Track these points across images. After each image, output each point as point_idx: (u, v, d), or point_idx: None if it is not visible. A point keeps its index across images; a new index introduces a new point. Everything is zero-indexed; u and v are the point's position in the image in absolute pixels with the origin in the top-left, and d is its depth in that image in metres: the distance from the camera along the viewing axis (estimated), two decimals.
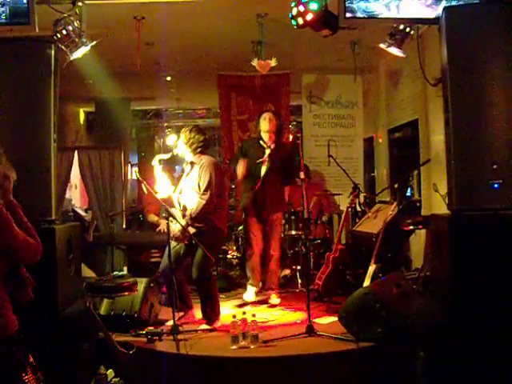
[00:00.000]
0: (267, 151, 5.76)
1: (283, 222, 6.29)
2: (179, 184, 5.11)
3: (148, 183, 4.76)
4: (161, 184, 4.89)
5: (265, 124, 5.79)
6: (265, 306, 5.69)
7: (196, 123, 12.08)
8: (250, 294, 5.80)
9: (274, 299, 5.76)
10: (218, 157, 12.32)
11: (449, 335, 3.46)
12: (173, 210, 4.83)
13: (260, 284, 5.96)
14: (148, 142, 13.44)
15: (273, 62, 6.21)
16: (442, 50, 3.76)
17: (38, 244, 2.58)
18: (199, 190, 4.85)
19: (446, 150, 3.78)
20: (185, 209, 4.88)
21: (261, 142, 5.83)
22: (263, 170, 5.71)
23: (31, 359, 2.56)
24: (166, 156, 5.06)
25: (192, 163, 4.99)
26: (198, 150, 4.96)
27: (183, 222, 4.76)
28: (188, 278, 5.16)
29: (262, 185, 5.71)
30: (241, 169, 5.72)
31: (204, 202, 4.77)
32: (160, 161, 4.93)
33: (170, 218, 4.71)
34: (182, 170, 5.48)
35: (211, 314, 4.93)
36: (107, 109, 9.87)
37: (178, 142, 5.08)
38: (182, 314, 5.08)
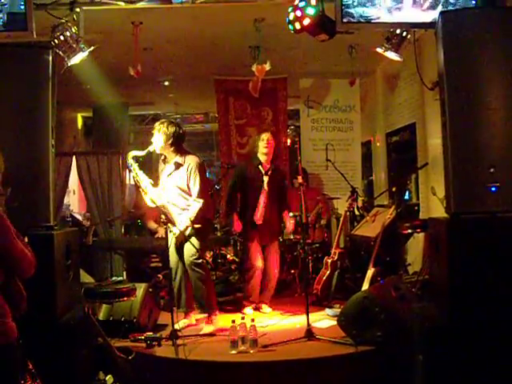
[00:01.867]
0: (265, 179, 5.70)
1: None
2: (160, 182, 5.05)
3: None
4: (144, 183, 4.81)
5: (263, 146, 5.70)
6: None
7: (193, 128, 12.14)
8: (249, 309, 5.72)
9: (266, 308, 5.77)
10: (215, 161, 12.35)
11: (448, 339, 3.45)
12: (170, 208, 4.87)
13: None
14: (146, 147, 13.44)
15: (267, 66, 6.22)
16: (439, 53, 3.77)
17: (33, 257, 2.54)
18: (188, 191, 4.85)
19: (444, 153, 3.78)
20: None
21: (260, 167, 5.73)
22: (261, 198, 5.67)
23: (30, 366, 2.55)
24: (141, 153, 4.85)
25: (176, 163, 4.93)
26: (178, 145, 4.91)
27: (183, 227, 4.78)
28: None
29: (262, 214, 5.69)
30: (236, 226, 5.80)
31: (200, 205, 4.80)
32: (134, 158, 4.80)
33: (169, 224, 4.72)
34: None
35: (207, 304, 4.96)
36: (105, 114, 9.86)
37: (155, 138, 4.91)
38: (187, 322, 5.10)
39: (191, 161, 4.88)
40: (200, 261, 4.89)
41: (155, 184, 4.96)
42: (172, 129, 4.86)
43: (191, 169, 4.84)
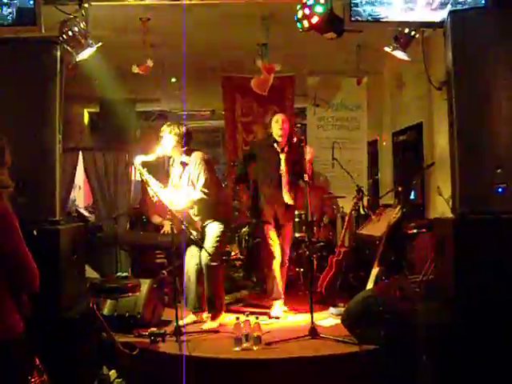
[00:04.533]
0: (282, 156, 5.43)
1: None
2: (170, 181, 5.07)
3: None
4: (154, 186, 4.78)
5: (278, 127, 5.45)
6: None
7: (200, 125, 12.14)
8: (278, 308, 5.43)
9: (277, 306, 5.45)
10: (221, 158, 12.36)
11: (451, 339, 3.46)
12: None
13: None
14: (152, 144, 13.48)
15: (277, 67, 6.20)
16: (447, 53, 3.77)
17: (37, 269, 2.41)
18: (195, 184, 4.86)
19: (450, 153, 3.78)
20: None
21: (275, 145, 5.48)
22: (283, 178, 5.40)
23: (37, 362, 2.54)
24: (149, 158, 4.86)
25: (183, 163, 4.95)
26: (188, 145, 4.94)
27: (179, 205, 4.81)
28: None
29: (279, 192, 5.43)
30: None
31: (201, 195, 4.79)
32: (142, 163, 4.77)
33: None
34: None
35: (217, 305, 4.98)
36: (112, 110, 9.86)
37: (165, 141, 4.93)
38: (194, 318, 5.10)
39: (195, 157, 4.91)
40: (215, 263, 4.90)
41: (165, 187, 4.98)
42: (182, 129, 4.90)
43: (195, 164, 4.87)
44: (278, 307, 5.43)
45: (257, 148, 5.76)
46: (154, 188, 4.73)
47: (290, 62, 7.27)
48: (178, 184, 5.00)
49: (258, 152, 5.64)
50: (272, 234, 5.46)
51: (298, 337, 4.46)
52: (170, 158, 5.11)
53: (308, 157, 5.17)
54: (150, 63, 5.85)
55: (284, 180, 5.42)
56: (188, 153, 4.95)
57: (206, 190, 4.79)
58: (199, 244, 4.88)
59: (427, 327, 3.66)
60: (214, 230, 4.95)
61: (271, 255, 5.42)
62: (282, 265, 5.55)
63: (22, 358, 2.39)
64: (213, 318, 4.96)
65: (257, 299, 6.21)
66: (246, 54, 6.85)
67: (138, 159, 4.78)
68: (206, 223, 5.00)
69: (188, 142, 4.95)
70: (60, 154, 4.01)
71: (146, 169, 4.77)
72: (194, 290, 5.07)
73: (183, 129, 4.90)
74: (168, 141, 4.90)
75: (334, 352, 4.17)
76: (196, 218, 5.00)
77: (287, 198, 5.43)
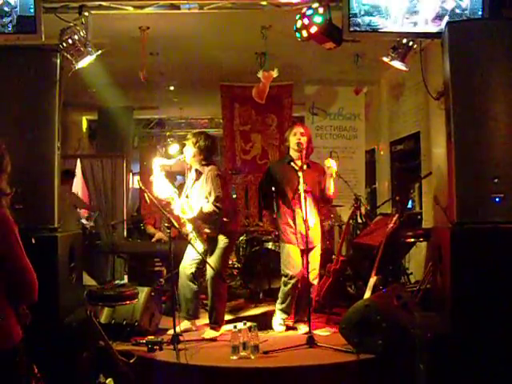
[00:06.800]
0: (301, 174, 4.81)
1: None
2: (184, 190, 5.09)
3: (149, 192, 4.74)
4: (159, 186, 4.78)
5: (295, 140, 5.04)
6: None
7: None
8: (280, 323, 5.21)
9: (303, 328, 5.05)
10: (220, 167, 12.33)
11: (449, 348, 3.46)
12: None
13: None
14: (150, 151, 13.48)
15: (274, 73, 6.21)
16: (445, 63, 3.79)
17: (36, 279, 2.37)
18: (209, 197, 4.86)
19: (448, 163, 3.79)
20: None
21: (292, 164, 5.10)
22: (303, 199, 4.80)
23: (35, 370, 2.53)
24: (169, 162, 4.96)
25: (198, 171, 4.97)
26: (208, 157, 4.96)
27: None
28: (203, 288, 5.26)
29: (302, 215, 4.82)
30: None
31: (213, 208, 4.76)
32: (161, 166, 4.82)
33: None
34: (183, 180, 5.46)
35: (218, 318, 4.97)
36: (110, 117, 9.90)
37: (188, 149, 4.96)
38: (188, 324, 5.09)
39: (209, 171, 4.89)
40: (218, 276, 4.87)
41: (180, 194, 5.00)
42: (207, 142, 4.92)
43: (207, 179, 4.86)
44: (282, 322, 5.21)
45: (274, 171, 5.31)
46: (159, 188, 4.76)
47: (288, 71, 7.29)
48: (190, 193, 5.02)
49: (276, 174, 5.22)
50: (295, 255, 5.03)
51: (295, 345, 4.45)
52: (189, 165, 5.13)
53: (330, 171, 5.03)
54: (144, 73, 5.86)
55: (305, 201, 4.82)
56: (204, 164, 4.96)
57: (218, 205, 4.76)
58: (204, 259, 4.86)
59: (424, 336, 3.66)
60: (220, 243, 4.93)
61: (293, 276, 5.02)
62: (307, 288, 4.95)
63: (21, 366, 2.37)
64: (212, 329, 4.95)
65: (254, 308, 6.21)
66: (245, 62, 6.88)
67: (158, 162, 4.82)
68: (213, 236, 4.97)
69: (208, 155, 4.97)
70: (59, 160, 4.03)
71: (164, 172, 4.81)
72: (187, 298, 5.07)
73: (208, 142, 4.91)
74: (189, 150, 4.94)
75: (331, 361, 4.17)
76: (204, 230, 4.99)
77: (311, 221, 4.98)
